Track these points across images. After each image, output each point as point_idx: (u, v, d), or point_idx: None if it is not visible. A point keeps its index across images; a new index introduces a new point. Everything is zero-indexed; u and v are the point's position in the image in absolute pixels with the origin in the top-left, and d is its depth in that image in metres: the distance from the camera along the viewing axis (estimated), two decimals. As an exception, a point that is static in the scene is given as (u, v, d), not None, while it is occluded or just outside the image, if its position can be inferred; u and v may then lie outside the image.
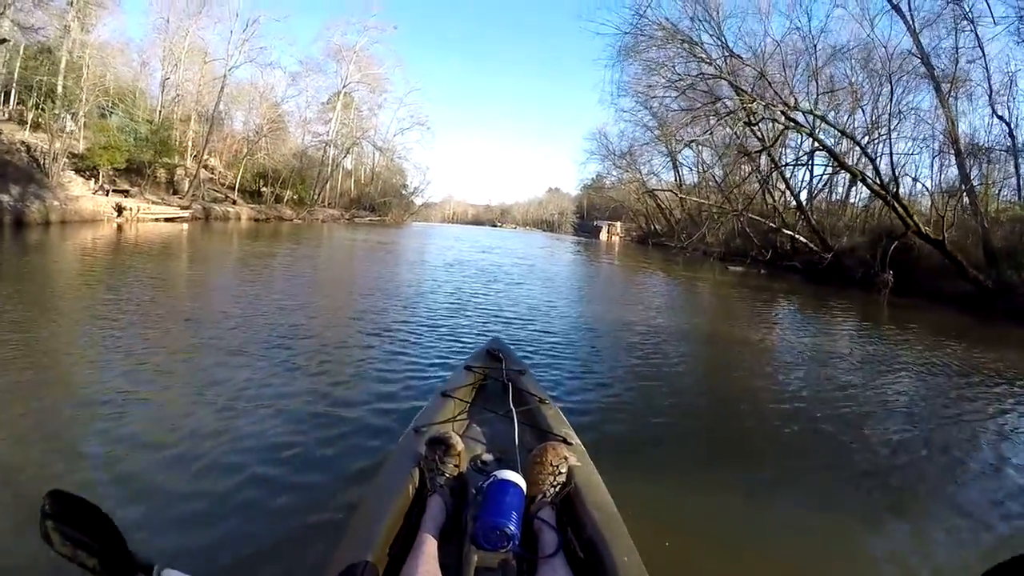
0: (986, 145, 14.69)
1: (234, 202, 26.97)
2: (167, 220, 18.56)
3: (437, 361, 4.24)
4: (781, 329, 7.89)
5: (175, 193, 23.05)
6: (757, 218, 19.04)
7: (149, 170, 21.63)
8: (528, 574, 1.30)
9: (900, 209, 13.02)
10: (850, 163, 15.91)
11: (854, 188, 21.12)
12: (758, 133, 16.81)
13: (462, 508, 1.51)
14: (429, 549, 1.28)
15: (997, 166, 15.04)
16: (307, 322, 5.35)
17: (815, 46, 17.22)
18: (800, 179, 22.05)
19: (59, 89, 18.35)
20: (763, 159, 18.58)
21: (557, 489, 1.52)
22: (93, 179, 17.99)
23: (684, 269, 17.91)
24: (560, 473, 1.55)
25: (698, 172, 28.76)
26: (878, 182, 13.66)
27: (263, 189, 30.71)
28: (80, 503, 1.25)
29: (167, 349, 4.00)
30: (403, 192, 47.06)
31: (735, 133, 17.35)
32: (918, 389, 4.76)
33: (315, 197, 34.88)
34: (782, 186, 20.80)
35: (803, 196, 20.72)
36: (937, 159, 17.29)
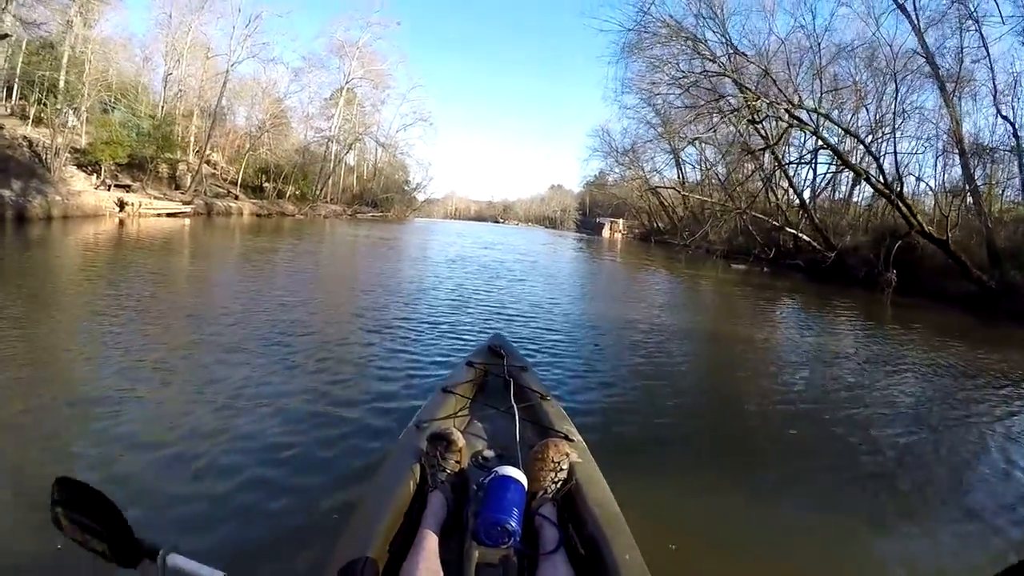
0: (990, 145, 14.65)
1: (236, 197, 26.98)
2: (169, 215, 18.57)
3: (439, 358, 4.23)
4: (785, 328, 7.87)
5: (177, 188, 23.07)
6: (760, 216, 18.99)
7: (151, 165, 21.64)
8: (529, 570, 1.30)
9: (904, 208, 12.98)
10: (854, 162, 15.85)
11: (857, 187, 21.12)
12: (762, 131, 16.77)
13: (463, 504, 1.51)
14: (430, 545, 1.27)
15: (1001, 166, 15.02)
16: (308, 318, 5.35)
17: (819, 44, 17.17)
18: (803, 177, 22.02)
19: (61, 84, 18.34)
20: (766, 157, 18.52)
21: (558, 485, 1.52)
22: (95, 174, 18.00)
23: (687, 267, 17.89)
24: (561, 469, 1.55)
25: (701, 169, 28.69)
26: (882, 181, 13.61)
27: (265, 184, 30.71)
28: (86, 490, 1.27)
29: (167, 345, 3.99)
30: (405, 188, 47.01)
31: (739, 131, 17.29)
32: (924, 390, 4.73)
33: (317, 193, 34.88)
34: (785, 184, 20.76)
35: (806, 194, 20.69)
36: (941, 159, 17.26)
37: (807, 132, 15.47)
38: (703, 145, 24.23)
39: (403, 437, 1.90)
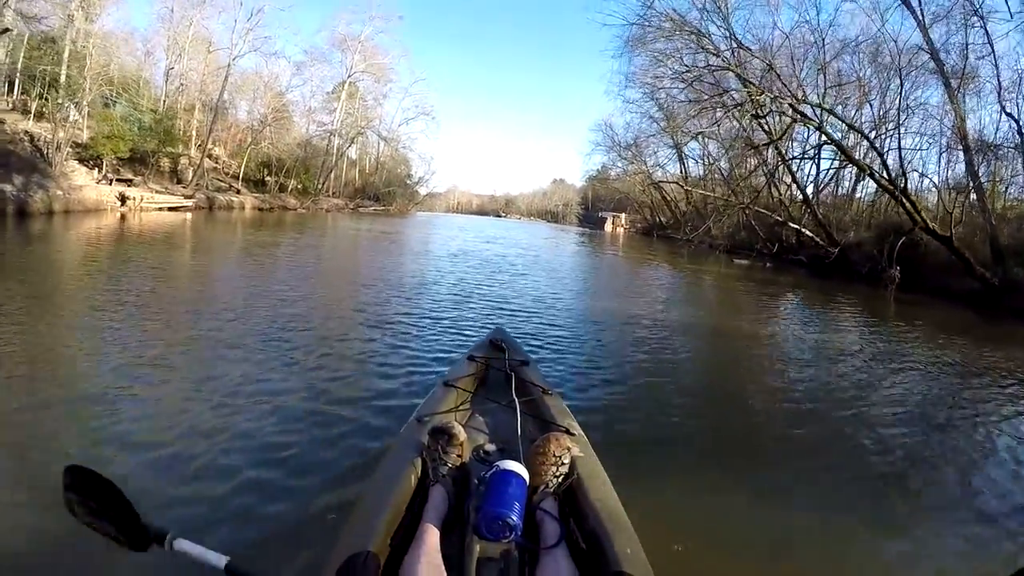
0: (994, 142, 14.57)
1: (238, 191, 26.96)
2: (171, 209, 18.57)
3: (440, 353, 4.23)
4: (789, 324, 7.86)
5: (179, 182, 23.05)
6: (763, 211, 18.93)
7: (153, 159, 21.60)
8: (530, 565, 1.30)
9: (908, 205, 12.92)
10: (857, 157, 15.78)
11: (860, 183, 21.03)
12: (765, 126, 16.68)
13: (464, 498, 1.51)
14: (431, 539, 1.27)
15: (1005, 163, 14.94)
16: (310, 313, 5.35)
17: (823, 39, 17.04)
18: (806, 173, 21.94)
19: (62, 79, 18.29)
20: (770, 152, 18.44)
21: (559, 480, 1.52)
22: (97, 168, 17.98)
23: (689, 262, 17.86)
24: (563, 464, 1.55)
25: (704, 164, 28.64)
26: (886, 177, 13.54)
27: (267, 178, 30.67)
28: (94, 477, 1.34)
29: (167, 341, 3.97)
30: (408, 182, 46.97)
31: (742, 126, 17.22)
32: (929, 388, 4.69)
33: (319, 187, 34.86)
34: (788, 179, 20.69)
35: (809, 190, 20.64)
36: (944, 155, 17.19)
37: (811, 127, 15.39)
38: (706, 140, 24.15)
39: (404, 431, 1.89)
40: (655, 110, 25.69)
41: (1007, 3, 12.42)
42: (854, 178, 21.24)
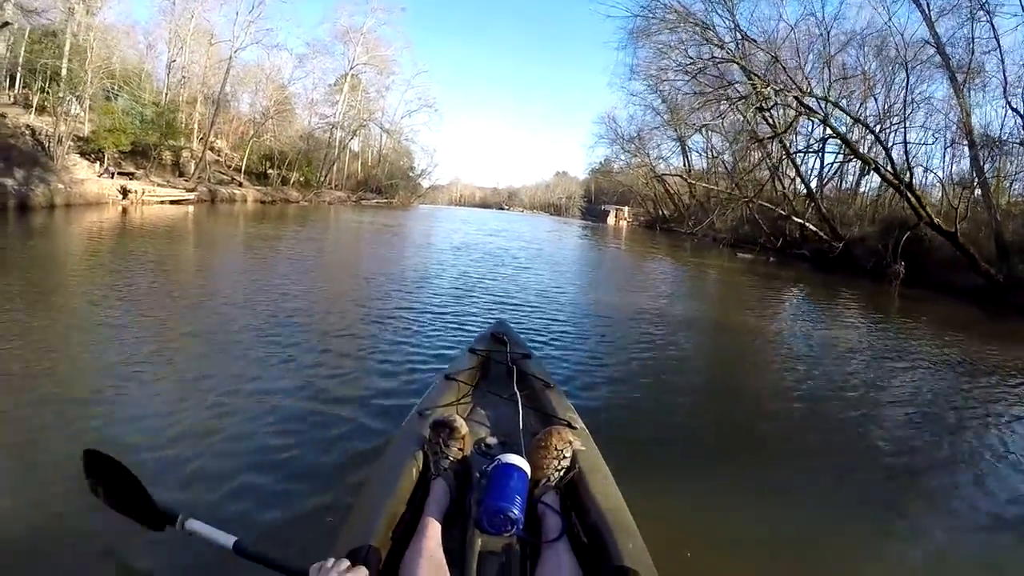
0: (1000, 137, 14.46)
1: (240, 184, 26.96)
2: (172, 202, 18.56)
3: (442, 346, 4.22)
4: (793, 319, 7.82)
5: (181, 175, 23.06)
6: (767, 205, 18.83)
7: (155, 152, 21.62)
8: (531, 558, 1.30)
9: (913, 199, 12.83)
10: (861, 151, 15.67)
11: (864, 177, 20.91)
12: (770, 119, 16.58)
13: (466, 492, 1.50)
14: (433, 533, 1.27)
15: (1010, 159, 14.84)
16: (311, 307, 5.34)
17: (828, 32, 16.90)
18: (810, 167, 21.82)
19: (63, 72, 18.26)
20: (774, 146, 18.34)
21: (561, 473, 1.52)
22: (98, 162, 17.99)
23: (692, 255, 17.81)
24: (564, 457, 1.55)
25: (708, 158, 28.49)
26: (891, 171, 13.45)
27: (269, 171, 30.67)
28: (108, 460, 1.47)
29: (167, 336, 3.95)
30: (410, 174, 46.90)
31: (746, 119, 17.10)
32: (937, 386, 4.62)
33: (322, 179, 34.85)
34: (792, 173, 20.57)
35: (813, 184, 20.48)
36: (949, 150, 17.07)
37: (816, 121, 15.28)
38: (709, 133, 24.04)
39: (406, 425, 1.89)
40: (659, 103, 25.63)
41: (1017, -5, 12.28)
42: (858, 172, 21.14)
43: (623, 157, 36.10)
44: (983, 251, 11.95)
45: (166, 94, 25.04)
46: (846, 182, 22.50)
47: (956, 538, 2.28)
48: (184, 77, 26.32)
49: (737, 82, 15.28)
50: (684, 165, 30.53)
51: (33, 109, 17.91)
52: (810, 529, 2.24)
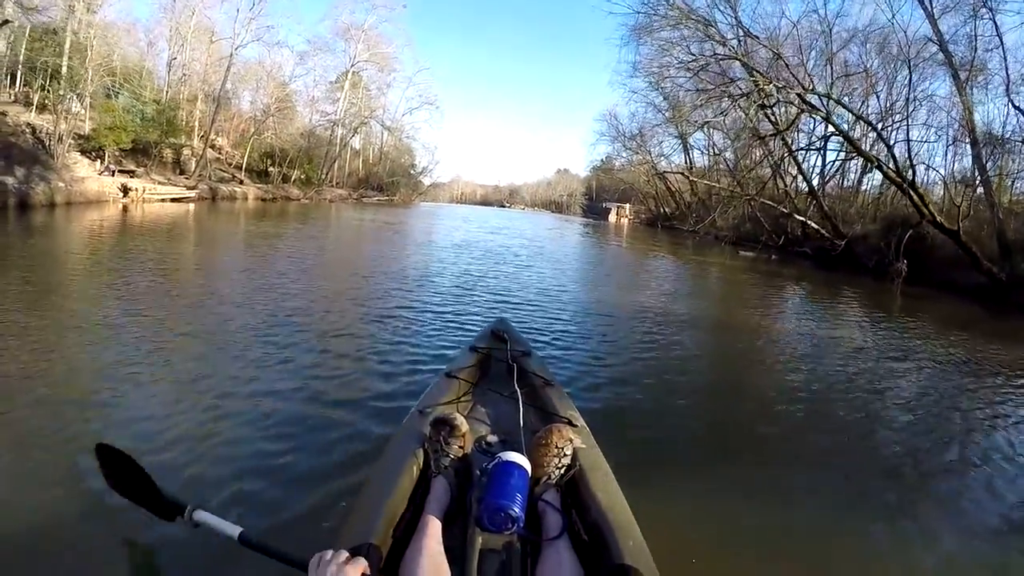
0: (1002, 136, 14.41)
1: (241, 182, 26.95)
2: (173, 200, 18.56)
3: (443, 345, 4.22)
4: (795, 317, 7.80)
5: (181, 173, 23.06)
6: (769, 203, 18.80)
7: (155, 150, 21.61)
8: (532, 556, 1.30)
9: (916, 197, 12.80)
10: (863, 149, 15.63)
11: (866, 175, 20.88)
12: (772, 117, 16.54)
13: (467, 489, 1.50)
14: (433, 531, 1.27)
15: (1013, 157, 14.81)
16: (311, 306, 5.32)
17: (830, 29, 16.84)
18: (812, 164, 21.77)
19: (64, 70, 18.24)
20: (776, 143, 18.30)
21: (562, 471, 1.52)
22: (99, 160, 17.99)
23: (694, 253, 17.79)
24: (565, 455, 1.54)
25: (709, 155, 28.45)
26: (893, 169, 13.42)
27: (270, 169, 30.66)
28: (118, 454, 1.55)
29: (166, 335, 3.93)
30: (411, 172, 46.91)
31: (748, 117, 17.07)
32: (942, 387, 4.56)
33: (323, 177, 34.83)
34: (794, 171, 20.52)
35: (815, 182, 20.45)
36: (951, 148, 17.03)
37: (819, 118, 15.23)
38: (711, 130, 23.97)
39: (406, 422, 1.89)
40: (660, 100, 25.58)
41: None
42: (860, 170, 21.11)
43: (624, 154, 36.07)
44: (985, 250, 11.92)
45: (167, 92, 25.04)
46: (848, 180, 22.53)
47: (964, 541, 2.24)
48: (185, 74, 26.31)
49: (739, 79, 15.26)
50: (686, 162, 30.50)
51: (34, 107, 17.91)
52: (812, 530, 2.23)
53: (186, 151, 24.42)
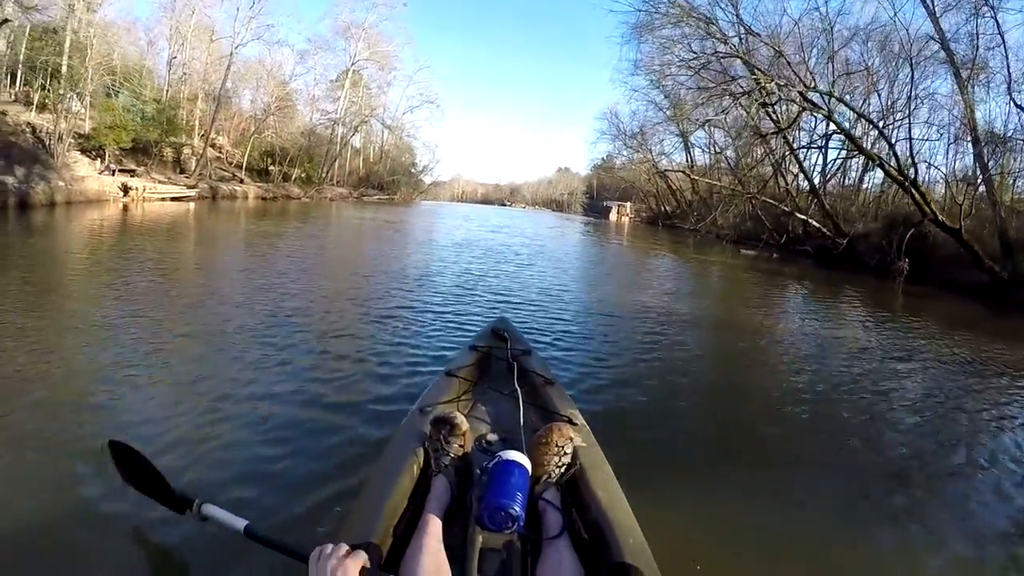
0: (1004, 134, 14.37)
1: (241, 181, 26.95)
2: (173, 199, 18.56)
3: (443, 344, 4.20)
4: (797, 316, 7.78)
5: (182, 172, 23.06)
6: (770, 201, 18.76)
7: (156, 149, 21.62)
8: (532, 555, 1.30)
9: (918, 196, 12.77)
10: (865, 147, 15.61)
11: (867, 173, 20.84)
12: (773, 115, 16.51)
13: (467, 488, 1.50)
14: (433, 530, 1.27)
15: (1014, 156, 14.77)
16: (311, 305, 5.31)
17: (832, 27, 16.80)
18: (813, 162, 21.73)
19: (63, 69, 18.23)
20: (777, 142, 18.26)
21: (562, 470, 1.51)
22: (99, 159, 17.99)
23: (695, 252, 17.77)
24: (565, 454, 1.54)
25: (710, 154, 28.40)
26: (895, 167, 13.40)
27: (271, 168, 30.65)
28: (129, 450, 1.62)
29: (166, 334, 3.92)
30: (412, 171, 46.90)
31: (749, 115, 17.04)
32: (949, 388, 4.50)
33: (323, 176, 34.83)
34: (795, 169, 20.49)
35: (816, 180, 20.41)
36: (953, 146, 16.97)
37: (820, 116, 15.21)
38: (713, 129, 23.92)
39: (406, 421, 1.88)
40: (661, 98, 25.55)
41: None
42: (861, 168, 21.08)
43: (625, 153, 36.06)
44: (987, 248, 11.90)
45: (167, 91, 25.05)
46: (849, 178, 22.48)
47: (972, 545, 2.21)
48: (185, 73, 26.32)
49: (740, 77, 15.23)
50: (687, 161, 30.47)
51: (34, 107, 17.91)
52: (815, 532, 2.21)
53: (186, 150, 24.42)
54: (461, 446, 1.56)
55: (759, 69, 14.21)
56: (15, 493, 1.95)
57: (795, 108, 15.31)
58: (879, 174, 15.89)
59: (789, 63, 14.27)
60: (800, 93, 13.70)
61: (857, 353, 5.40)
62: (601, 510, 1.33)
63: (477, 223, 24.03)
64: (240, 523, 1.37)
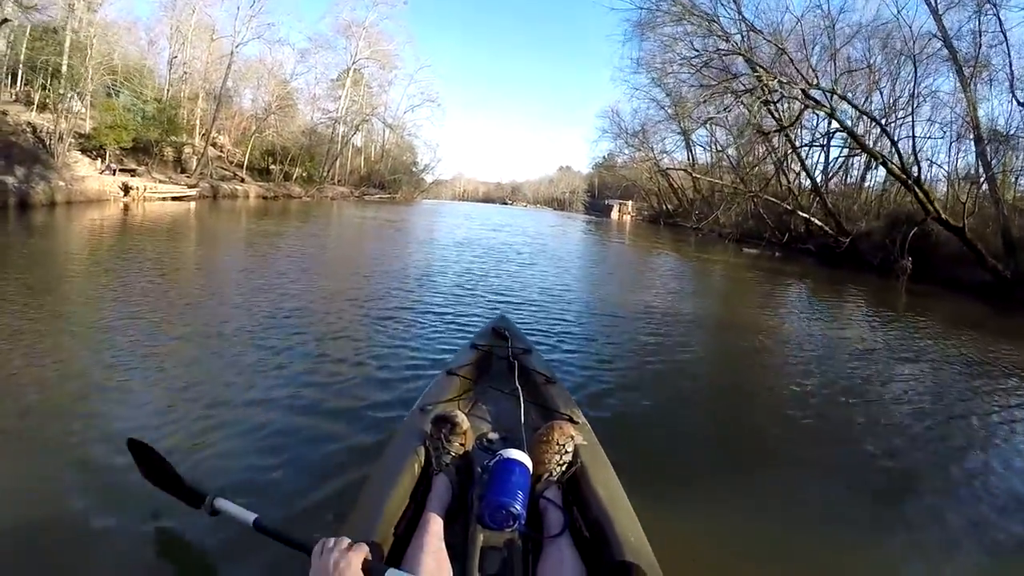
0: (1007, 132, 14.33)
1: (242, 180, 26.98)
2: (174, 199, 18.58)
3: (444, 344, 4.19)
4: (799, 316, 7.74)
5: (183, 172, 23.09)
6: (772, 200, 18.73)
7: (156, 149, 21.66)
8: (534, 553, 1.29)
9: (921, 194, 12.73)
10: (868, 145, 15.56)
11: (869, 171, 20.79)
12: (775, 113, 16.46)
13: (468, 487, 1.50)
14: (435, 528, 1.27)
15: (1017, 154, 14.70)
16: (312, 305, 5.30)
17: (834, 24, 16.76)
18: (815, 161, 21.69)
19: (64, 69, 18.24)
20: (779, 140, 18.22)
21: (563, 468, 1.51)
22: (100, 159, 18.01)
23: (697, 250, 17.75)
24: (566, 452, 1.54)
25: (712, 152, 28.40)
26: (898, 165, 13.36)
27: (272, 167, 30.69)
28: (147, 448, 1.70)
29: (165, 334, 3.91)
30: (413, 169, 46.95)
31: (751, 113, 17.00)
32: (955, 390, 4.45)
33: (324, 175, 34.86)
34: (797, 167, 20.44)
35: (818, 178, 20.36)
36: (955, 144, 16.91)
37: (823, 114, 15.17)
38: (714, 127, 23.91)
39: (407, 420, 1.88)
40: (663, 96, 25.51)
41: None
42: (863, 167, 21.03)
43: (627, 151, 36.11)
44: (990, 246, 11.87)
45: (168, 90, 25.07)
46: (851, 176, 22.42)
47: (985, 553, 2.16)
48: (186, 73, 26.35)
49: (742, 75, 15.17)
50: (688, 159, 30.44)
51: (34, 106, 17.93)
52: (817, 533, 2.19)
53: (187, 149, 24.46)
54: (462, 444, 1.56)
55: (761, 66, 14.16)
56: (16, 493, 1.95)
57: (797, 106, 15.26)
58: (881, 172, 15.91)
59: (791, 60, 14.22)
60: (802, 91, 13.66)
61: (862, 353, 5.37)
62: (602, 508, 1.33)
63: (478, 222, 24.04)
64: (250, 516, 1.41)
